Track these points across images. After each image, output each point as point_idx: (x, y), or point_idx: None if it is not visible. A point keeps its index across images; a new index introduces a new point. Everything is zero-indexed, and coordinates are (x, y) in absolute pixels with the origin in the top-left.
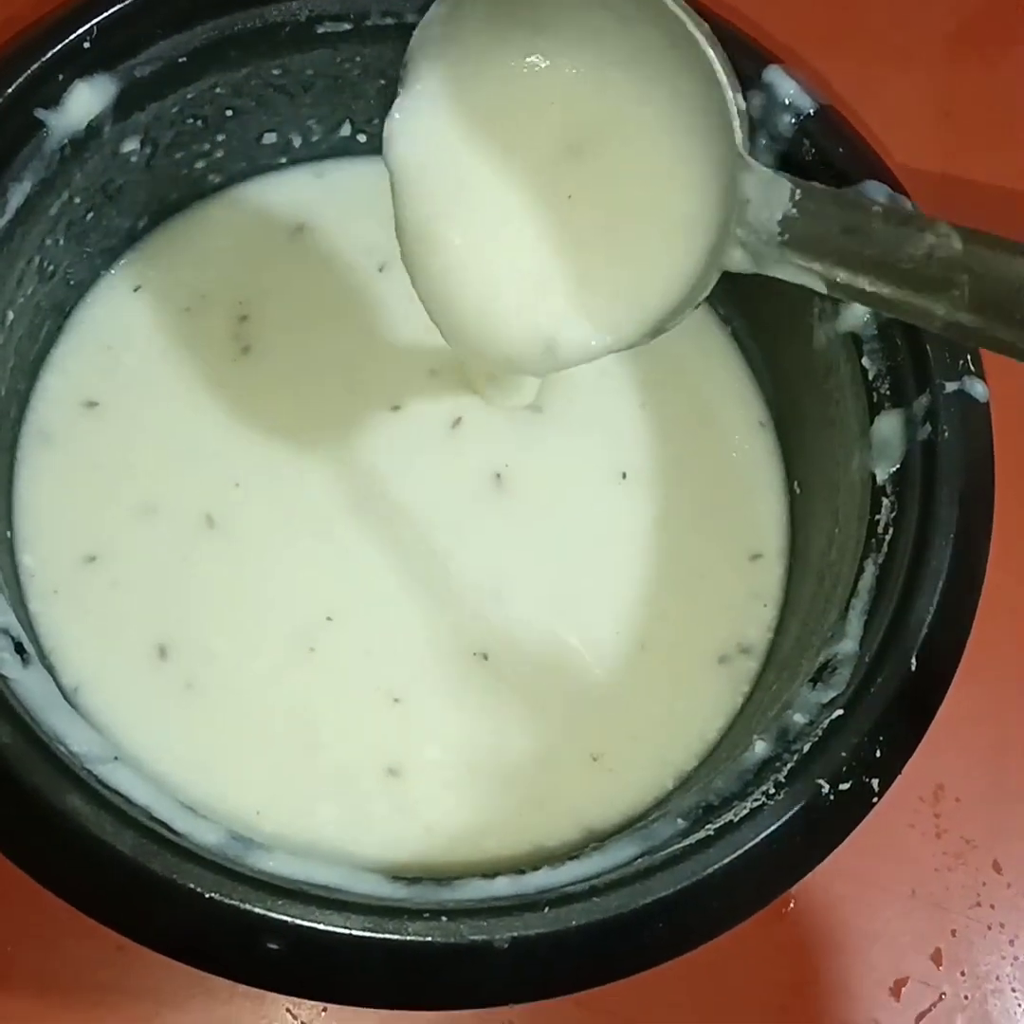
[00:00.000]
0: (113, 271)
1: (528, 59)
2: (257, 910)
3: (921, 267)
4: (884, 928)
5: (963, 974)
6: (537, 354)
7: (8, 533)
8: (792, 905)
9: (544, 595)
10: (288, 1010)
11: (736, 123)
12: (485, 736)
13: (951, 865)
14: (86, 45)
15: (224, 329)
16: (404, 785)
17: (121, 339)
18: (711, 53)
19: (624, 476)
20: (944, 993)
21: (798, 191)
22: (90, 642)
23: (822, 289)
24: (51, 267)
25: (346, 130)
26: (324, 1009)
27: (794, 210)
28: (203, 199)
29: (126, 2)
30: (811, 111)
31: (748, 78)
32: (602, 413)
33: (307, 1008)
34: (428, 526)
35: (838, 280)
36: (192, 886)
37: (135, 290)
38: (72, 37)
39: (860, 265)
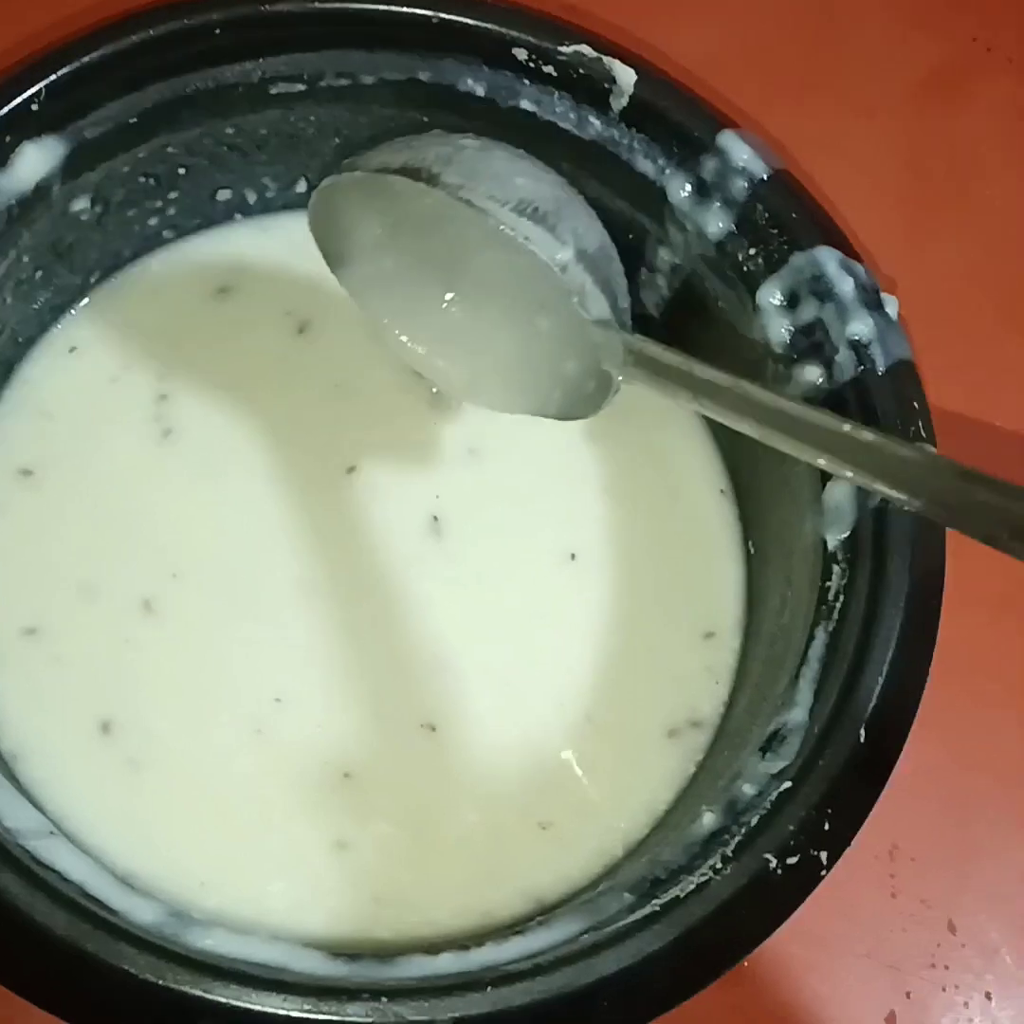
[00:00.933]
0: (59, 326)
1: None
2: (193, 991)
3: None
4: (839, 990)
5: None
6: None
7: None
8: (745, 964)
9: (489, 667)
10: None
11: (572, 296)
12: (435, 808)
13: (906, 926)
14: (34, 107)
15: (145, 409)
16: (353, 860)
17: (55, 405)
18: (539, 254)
19: (573, 557)
20: None
21: (631, 354)
22: (31, 712)
23: (679, 404)
24: None
25: (302, 186)
26: None
27: (630, 357)
28: (148, 254)
29: (76, 64)
30: (764, 176)
31: (703, 142)
32: (554, 485)
33: None
34: (370, 600)
35: (679, 400)
36: (126, 967)
37: (70, 351)
38: (20, 99)
39: (690, 391)
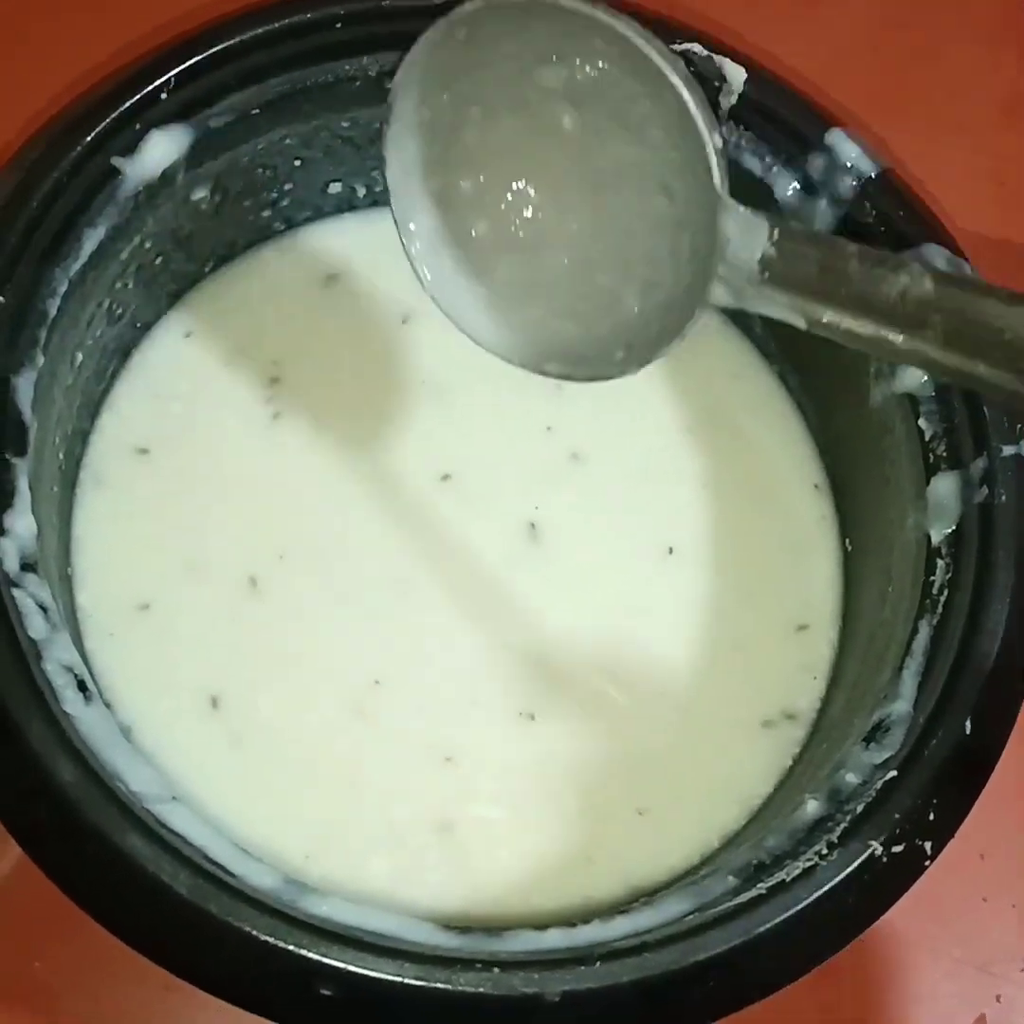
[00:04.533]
0: (174, 311)
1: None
2: (311, 955)
3: (896, 306)
4: (929, 991)
5: None
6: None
7: (68, 570)
8: (835, 969)
9: (587, 657)
10: None
11: (714, 164)
12: (534, 792)
13: (997, 929)
14: (163, 96)
15: (257, 393)
16: (454, 840)
17: (169, 388)
18: (687, 96)
19: (671, 552)
20: None
21: (777, 231)
22: (143, 686)
23: (803, 326)
24: (119, 310)
25: None
26: None
27: (773, 250)
28: (261, 243)
29: (203, 55)
30: (872, 174)
31: (811, 141)
32: (652, 484)
33: None
34: (471, 587)
35: (818, 319)
36: (248, 929)
37: (186, 336)
38: (150, 87)
39: (838, 303)
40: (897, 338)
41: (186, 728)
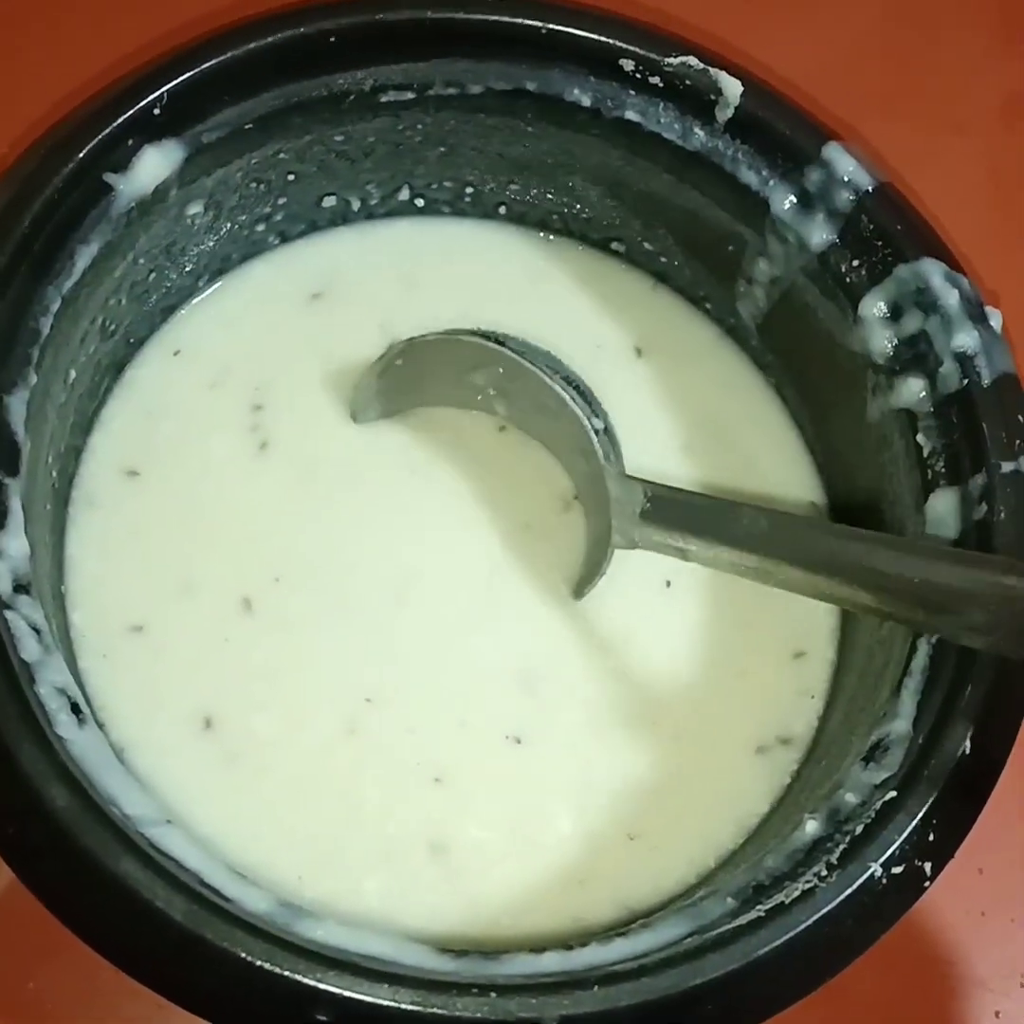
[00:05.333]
0: (166, 327)
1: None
2: (307, 981)
3: (744, 538)
4: (928, 1008)
5: None
6: None
7: (61, 588)
8: (838, 987)
9: (575, 682)
10: None
11: (595, 445)
12: (526, 815)
13: (995, 945)
14: (156, 111)
15: (242, 419)
16: (448, 860)
17: (159, 407)
18: (566, 398)
19: (668, 584)
20: None
21: (648, 490)
22: (137, 706)
23: (683, 558)
24: (113, 326)
25: (405, 194)
26: None
27: (648, 504)
28: (255, 257)
29: (196, 70)
30: (869, 188)
31: (808, 154)
32: None
33: None
34: (462, 607)
35: (690, 549)
36: (243, 954)
37: (175, 354)
38: (143, 103)
39: (701, 538)
40: (753, 561)
41: (180, 749)
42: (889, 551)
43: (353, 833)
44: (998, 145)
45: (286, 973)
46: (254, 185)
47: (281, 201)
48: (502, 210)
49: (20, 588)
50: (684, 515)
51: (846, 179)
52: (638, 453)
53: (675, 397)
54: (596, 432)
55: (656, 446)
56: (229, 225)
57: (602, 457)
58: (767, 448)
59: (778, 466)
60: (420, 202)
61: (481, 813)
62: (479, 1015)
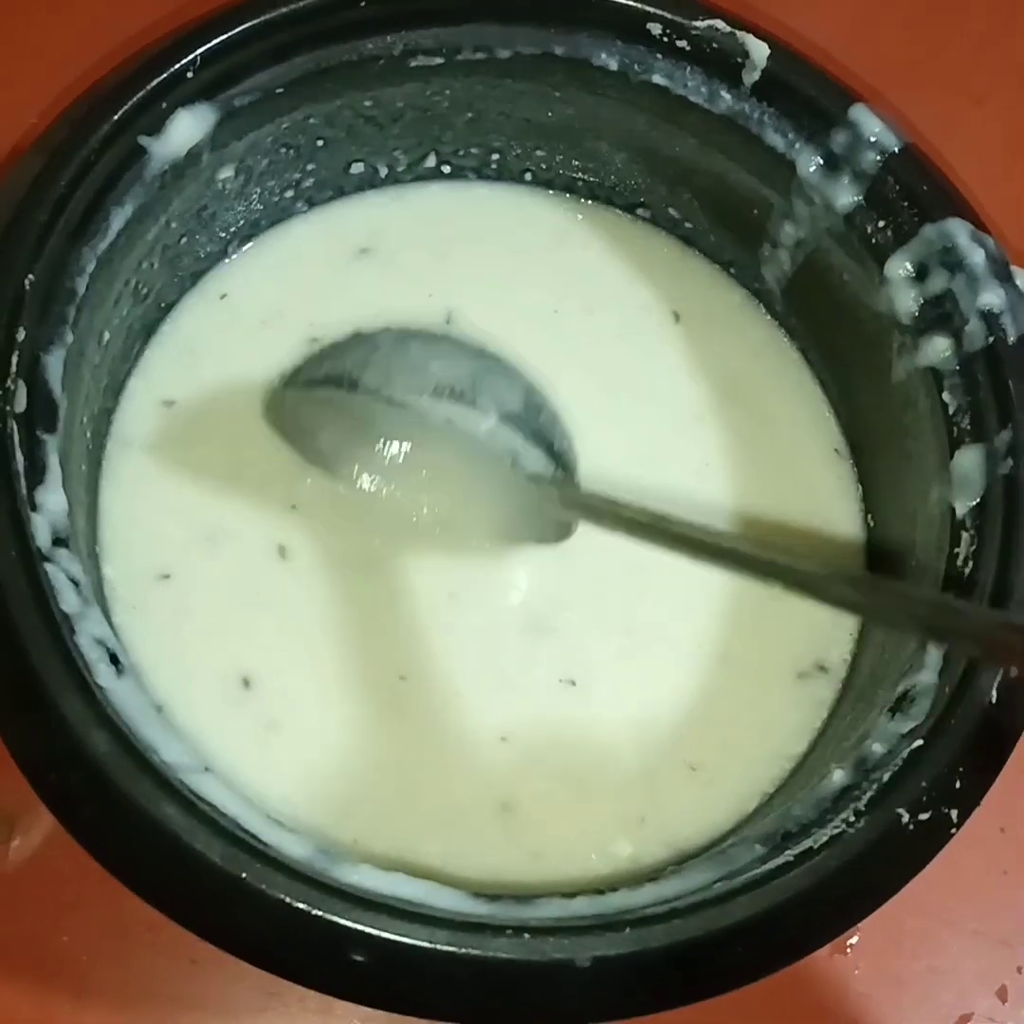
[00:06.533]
0: (199, 286)
1: None
2: (344, 922)
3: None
4: (950, 964)
5: None
6: None
7: (96, 547)
8: (857, 939)
9: (620, 617)
10: None
11: (505, 459)
12: (586, 759)
13: (1018, 902)
14: (189, 74)
15: (296, 350)
16: (515, 818)
17: (204, 344)
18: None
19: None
20: None
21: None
22: (170, 662)
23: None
24: (145, 289)
25: (431, 160)
26: None
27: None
28: (284, 223)
29: (229, 34)
30: (896, 149)
31: (834, 116)
32: (667, 459)
33: None
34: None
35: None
36: (281, 896)
37: (221, 297)
38: (176, 67)
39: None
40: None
41: (216, 712)
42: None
43: (409, 795)
44: (1017, 116)
45: (323, 914)
46: (284, 150)
47: (310, 167)
48: (528, 177)
49: (59, 541)
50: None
51: (872, 140)
52: (664, 419)
53: (705, 361)
54: (490, 432)
55: (687, 409)
56: (259, 190)
57: (508, 461)
58: (792, 407)
59: (803, 424)
60: (447, 169)
61: (544, 765)
62: (513, 955)
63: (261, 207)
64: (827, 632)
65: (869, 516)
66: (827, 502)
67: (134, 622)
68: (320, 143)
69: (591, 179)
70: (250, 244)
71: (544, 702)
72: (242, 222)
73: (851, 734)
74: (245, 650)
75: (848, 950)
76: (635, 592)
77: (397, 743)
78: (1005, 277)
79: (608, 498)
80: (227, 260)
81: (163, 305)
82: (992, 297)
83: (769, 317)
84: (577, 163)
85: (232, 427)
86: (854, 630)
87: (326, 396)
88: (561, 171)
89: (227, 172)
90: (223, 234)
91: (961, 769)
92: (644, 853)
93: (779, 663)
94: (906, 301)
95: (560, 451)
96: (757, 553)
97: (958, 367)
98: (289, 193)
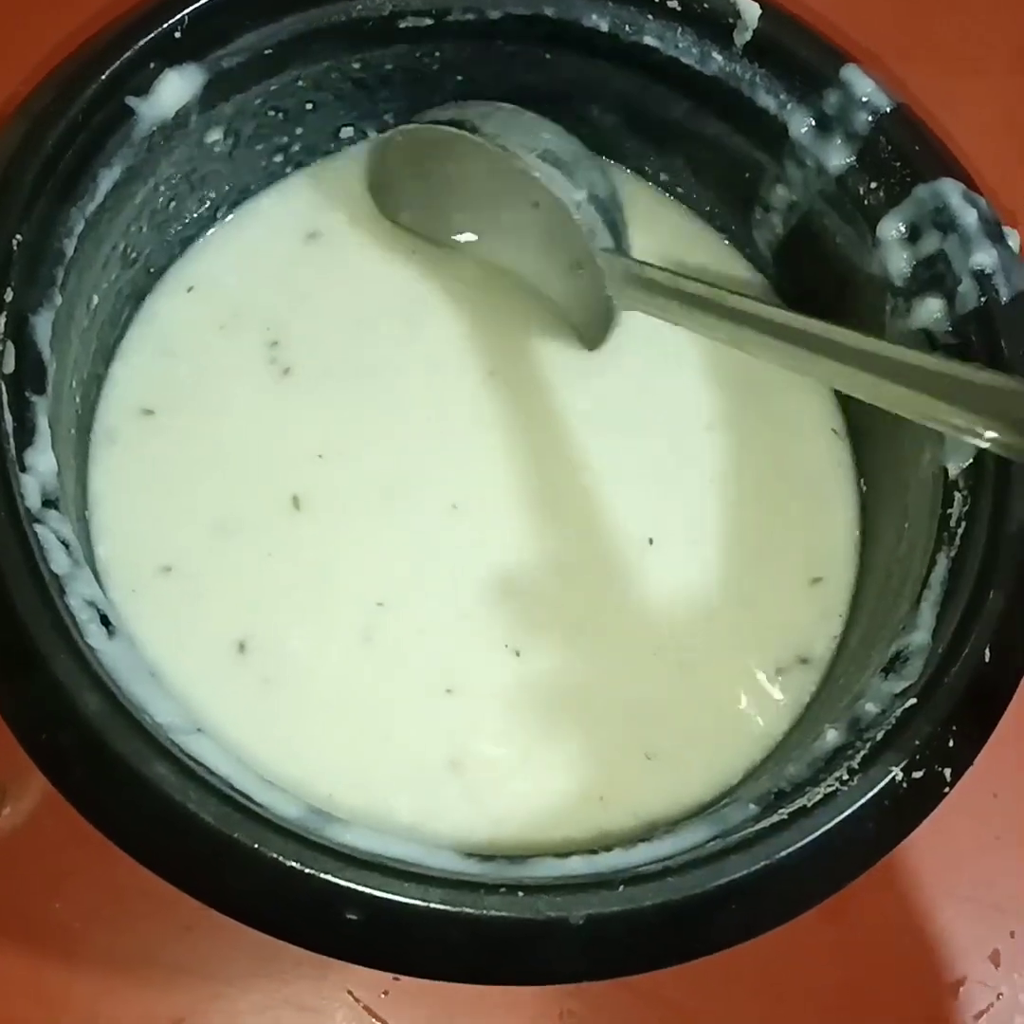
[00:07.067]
0: (182, 260)
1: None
2: (337, 880)
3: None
4: (942, 929)
5: (1021, 975)
6: None
7: (86, 512)
8: (848, 905)
9: (587, 592)
10: (349, 992)
11: (583, 227)
12: (538, 729)
13: (1010, 868)
14: (177, 35)
15: (258, 355)
16: (466, 777)
17: (176, 344)
18: (557, 193)
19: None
20: (1002, 993)
21: (633, 267)
22: (168, 639)
23: (673, 322)
24: (133, 254)
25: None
26: (384, 992)
27: (631, 278)
28: (270, 186)
29: None
30: (887, 109)
31: (826, 76)
32: (669, 416)
33: (367, 990)
34: (478, 507)
35: (679, 320)
36: (274, 855)
37: (188, 291)
38: (164, 26)
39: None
40: (734, 331)
41: (211, 676)
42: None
43: (378, 749)
44: (1013, 87)
45: (317, 873)
46: (272, 113)
47: (298, 131)
48: None
49: (49, 503)
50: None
51: (864, 100)
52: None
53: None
54: (577, 205)
55: (686, 372)
56: (247, 154)
57: (585, 229)
58: (786, 379)
59: (796, 395)
60: None
61: (493, 729)
62: (507, 914)
63: (250, 171)
64: (809, 627)
65: (862, 482)
66: (823, 483)
67: (130, 601)
68: (309, 106)
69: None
70: (234, 213)
71: (491, 663)
72: (231, 186)
73: (844, 695)
74: (241, 619)
75: (842, 912)
76: (614, 575)
77: (365, 691)
78: (997, 237)
79: (668, 270)
80: (200, 241)
81: (151, 270)
82: (985, 257)
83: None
84: (568, 127)
85: (218, 428)
86: (841, 615)
87: (447, 134)
88: None
89: (215, 135)
90: (213, 198)
91: (954, 728)
92: (612, 825)
93: (755, 662)
94: (899, 263)
95: (625, 248)
96: (808, 327)
97: (951, 328)
98: (278, 157)
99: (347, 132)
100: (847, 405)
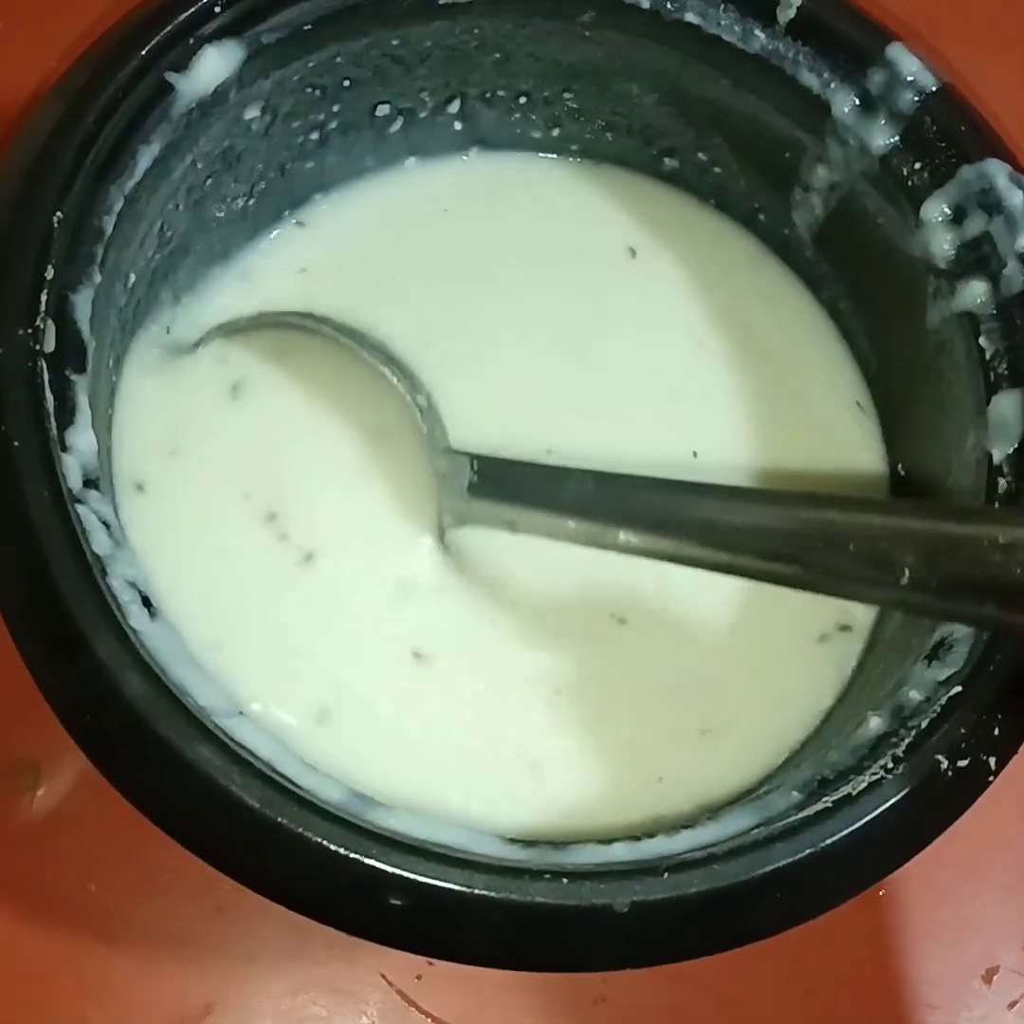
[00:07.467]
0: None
1: None
2: (381, 865)
3: (573, 503)
4: (977, 915)
5: None
6: None
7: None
8: (884, 891)
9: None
10: (383, 975)
11: (420, 422)
12: (601, 718)
13: None
14: (217, 9)
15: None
16: (536, 769)
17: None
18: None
19: None
20: None
21: (475, 461)
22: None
23: (510, 531)
24: (169, 233)
25: (456, 106)
26: (418, 976)
27: (475, 476)
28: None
29: None
30: (933, 89)
31: (870, 55)
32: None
33: (400, 973)
34: None
35: (515, 521)
36: (319, 840)
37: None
38: (203, 1)
39: (526, 506)
40: (580, 526)
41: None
42: (738, 502)
43: (423, 737)
44: None
45: (361, 858)
46: (310, 90)
47: (335, 108)
48: (556, 131)
49: (90, 483)
50: (512, 485)
51: (910, 79)
52: (684, 375)
53: (721, 313)
54: (420, 410)
55: (702, 365)
56: (283, 132)
57: (425, 434)
58: (812, 360)
59: (823, 374)
60: (457, 126)
61: (558, 721)
62: (551, 900)
63: (286, 150)
64: None
65: (900, 466)
66: (853, 452)
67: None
68: (347, 83)
69: (617, 123)
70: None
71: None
72: (267, 165)
73: (885, 682)
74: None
75: (877, 900)
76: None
77: (420, 691)
78: None
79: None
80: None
81: (188, 253)
82: None
83: (788, 268)
84: (606, 107)
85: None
86: None
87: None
88: (586, 120)
89: (253, 111)
90: (248, 177)
91: (1000, 716)
92: (666, 808)
93: (799, 629)
94: (942, 245)
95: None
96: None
97: (995, 311)
98: (315, 135)
99: (384, 110)
100: (878, 387)
